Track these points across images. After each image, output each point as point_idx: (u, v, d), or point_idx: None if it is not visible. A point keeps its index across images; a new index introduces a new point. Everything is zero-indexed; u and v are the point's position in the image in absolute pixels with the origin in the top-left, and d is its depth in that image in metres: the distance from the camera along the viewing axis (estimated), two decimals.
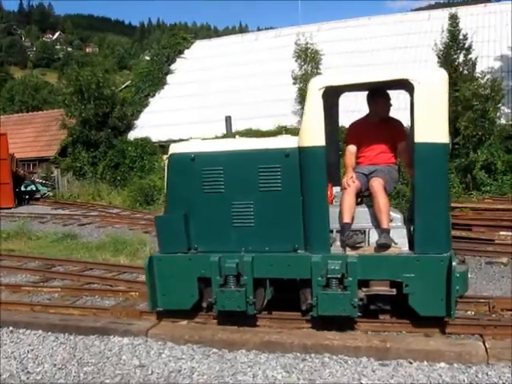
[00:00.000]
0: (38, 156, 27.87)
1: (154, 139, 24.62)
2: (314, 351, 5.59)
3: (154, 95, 28.14)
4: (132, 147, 24.68)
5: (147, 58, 36.70)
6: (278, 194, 6.11)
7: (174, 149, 6.56)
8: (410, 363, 5.21)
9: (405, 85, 5.91)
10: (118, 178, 24.63)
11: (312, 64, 21.15)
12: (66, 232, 14.83)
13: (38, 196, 25.30)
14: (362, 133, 6.44)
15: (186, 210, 6.39)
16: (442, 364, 5.16)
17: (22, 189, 24.46)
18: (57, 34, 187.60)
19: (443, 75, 5.74)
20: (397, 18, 27.56)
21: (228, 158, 6.30)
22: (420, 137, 5.65)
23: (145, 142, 24.66)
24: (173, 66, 29.49)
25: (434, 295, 5.70)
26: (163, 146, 24.27)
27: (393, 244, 5.92)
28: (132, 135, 25.83)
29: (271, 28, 43.86)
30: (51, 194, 26.23)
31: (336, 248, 6.12)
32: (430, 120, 5.64)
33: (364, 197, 6.47)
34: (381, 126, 6.39)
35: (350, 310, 5.78)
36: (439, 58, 18.58)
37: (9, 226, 16.13)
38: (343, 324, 6.11)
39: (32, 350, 6.12)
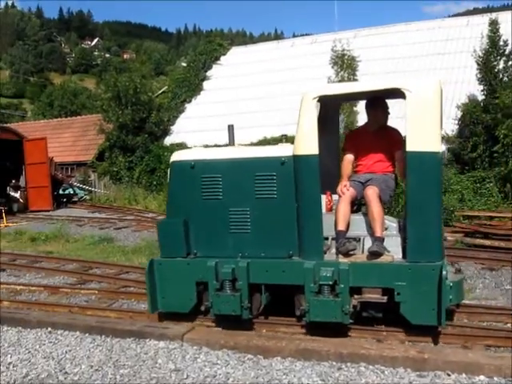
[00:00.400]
0: (76, 160, 28.30)
1: (189, 145, 24.69)
2: (349, 360, 5.52)
3: (190, 101, 28.36)
4: (168, 152, 24.81)
5: (183, 64, 37.01)
6: (274, 201, 6.23)
7: (175, 156, 6.79)
8: (448, 375, 5.10)
9: (400, 94, 5.88)
10: (154, 182, 24.85)
11: (348, 71, 21.02)
12: (102, 235, 15.04)
13: (76, 199, 25.70)
14: (360, 141, 6.50)
15: (186, 215, 6.58)
16: (482, 377, 5.02)
17: (60, 192, 24.87)
18: (95, 41, 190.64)
19: (436, 84, 5.75)
20: (434, 24, 27.29)
21: (226, 166, 6.46)
22: (412, 145, 5.68)
23: (180, 147, 24.80)
24: (209, 73, 29.70)
25: (426, 304, 5.71)
26: None
27: (385, 252, 5.95)
28: (168, 140, 26.06)
29: (307, 34, 43.82)
30: (88, 197, 26.62)
31: (331, 255, 6.19)
32: (421, 129, 5.67)
33: (361, 205, 6.50)
34: (379, 135, 6.42)
35: (341, 316, 5.86)
36: (478, 64, 18.30)
37: (47, 228, 16.46)
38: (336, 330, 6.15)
39: (70, 350, 6.19)
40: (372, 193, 6.04)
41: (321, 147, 6.35)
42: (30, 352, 6.24)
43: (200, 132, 24.72)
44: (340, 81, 20.82)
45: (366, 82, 7.39)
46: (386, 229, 6.17)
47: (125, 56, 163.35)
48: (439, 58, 23.58)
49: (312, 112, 6.00)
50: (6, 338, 6.68)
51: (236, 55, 30.91)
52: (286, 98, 23.75)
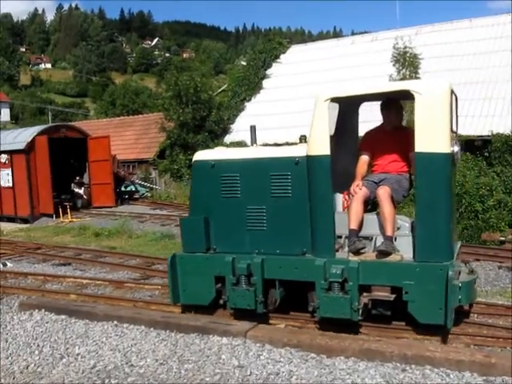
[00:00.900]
0: (138, 158, 28.86)
1: (249, 143, 24.86)
2: (414, 362, 5.46)
3: (249, 99, 28.45)
4: None
5: (243, 62, 37.19)
6: (288, 199, 6.47)
7: (196, 156, 7.21)
8: None
9: (410, 95, 5.96)
10: None
11: (410, 68, 20.66)
12: (163, 232, 15.28)
13: (137, 196, 26.20)
14: (376, 142, 6.62)
15: (207, 213, 6.95)
16: None
17: (122, 189, 25.40)
18: (155, 41, 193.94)
19: (444, 87, 5.85)
20: (500, 20, 26.43)
21: (244, 166, 6.76)
22: (420, 146, 5.78)
23: (240, 145, 24.96)
24: (269, 71, 29.72)
25: (433, 303, 5.78)
26: None
27: (395, 251, 6.08)
28: (228, 139, 26.21)
29: (366, 32, 43.26)
30: (149, 194, 27.09)
31: (343, 253, 6.35)
32: (430, 130, 5.75)
33: (376, 204, 6.55)
34: (394, 135, 6.51)
35: (350, 313, 6.03)
36: None
37: (110, 224, 16.84)
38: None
39: (135, 344, 6.35)
40: (383, 192, 6.16)
41: (340, 148, 6.74)
42: (97, 344, 6.44)
43: (259, 130, 24.68)
44: (402, 79, 20.51)
45: (377, 83, 7.31)
46: (399, 228, 6.28)
47: (184, 55, 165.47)
48: (505, 54, 22.85)
49: (324, 114, 6.17)
50: (74, 330, 6.90)
51: (295, 53, 30.83)
52: None
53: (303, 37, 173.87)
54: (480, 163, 18.45)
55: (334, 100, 6.29)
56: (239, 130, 26.44)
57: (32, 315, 7.50)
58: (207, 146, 25.66)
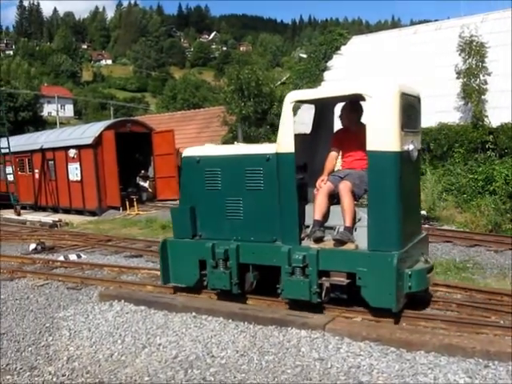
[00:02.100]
0: None
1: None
2: (497, 359, 5.37)
3: None
4: None
5: (301, 54, 37.01)
6: (261, 192, 7.18)
7: (185, 153, 8.00)
8: None
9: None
10: None
11: (477, 58, 20.13)
12: None
13: None
14: (343, 140, 7.20)
15: (193, 203, 7.74)
16: None
17: None
18: (212, 35, 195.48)
19: (394, 89, 6.30)
20: None
21: (224, 161, 7.53)
22: (371, 145, 6.30)
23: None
24: (329, 63, 29.44)
25: (382, 289, 6.25)
26: None
27: (351, 240, 6.64)
28: None
29: (425, 21, 42.23)
30: None
31: (308, 241, 6.94)
32: (379, 130, 6.23)
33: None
34: (358, 134, 6.80)
35: (309, 295, 6.67)
36: None
37: None
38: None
39: (215, 335, 6.47)
40: (344, 187, 6.72)
41: (317, 145, 7.59)
42: (177, 335, 6.59)
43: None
44: (468, 68, 20.03)
45: (334, 87, 8.01)
46: (360, 220, 6.74)
47: (241, 48, 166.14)
48: None
49: (289, 114, 6.83)
50: (154, 321, 7.08)
51: (356, 45, 30.40)
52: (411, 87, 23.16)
53: (360, 27, 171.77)
54: None
55: (298, 102, 7.04)
56: (300, 122, 26.36)
57: (112, 306, 7.75)
58: (269, 139, 25.75)
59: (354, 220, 6.73)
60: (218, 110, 30.26)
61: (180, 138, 26.67)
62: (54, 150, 24.40)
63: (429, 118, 20.47)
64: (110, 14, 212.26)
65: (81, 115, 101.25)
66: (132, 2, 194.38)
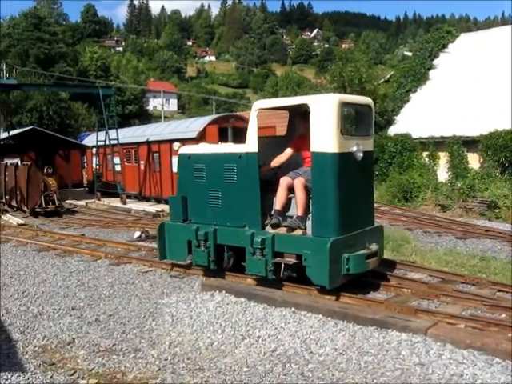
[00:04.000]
0: None
1: (414, 135, 24.19)
2: None
3: (415, 91, 27.61)
4: (392, 143, 24.53)
5: (406, 53, 36.15)
6: (234, 185, 8.54)
7: (180, 150, 9.66)
8: None
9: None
10: (376, 172, 24.68)
11: None
12: None
13: None
14: (300, 144, 8.30)
15: (185, 193, 9.31)
16: None
17: None
18: (315, 32, 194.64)
19: (334, 100, 7.50)
20: None
21: (208, 158, 9.04)
22: (314, 147, 7.60)
23: (405, 137, 24.35)
24: (436, 61, 28.62)
25: (321, 269, 7.41)
26: (423, 143, 23.75)
27: (301, 227, 7.93)
28: (392, 131, 25.70)
29: None
30: None
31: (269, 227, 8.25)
32: (320, 134, 7.51)
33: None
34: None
35: (265, 272, 7.98)
36: None
37: None
38: None
39: (314, 332, 6.47)
40: (297, 182, 7.96)
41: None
42: (276, 328, 6.65)
43: (426, 122, 24.01)
44: None
45: (290, 98, 9.22)
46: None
47: (343, 46, 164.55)
48: None
49: (254, 121, 8.16)
50: (254, 313, 7.18)
51: (465, 42, 29.35)
52: None
53: (468, 24, 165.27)
54: None
55: (262, 110, 8.23)
56: (404, 121, 25.80)
57: (213, 296, 7.94)
58: None
59: (306, 210, 7.93)
60: None
61: (282, 133, 26.69)
62: (159, 142, 25.18)
63: None
64: (214, 11, 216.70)
65: (184, 110, 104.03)
66: None
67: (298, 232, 7.93)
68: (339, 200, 7.53)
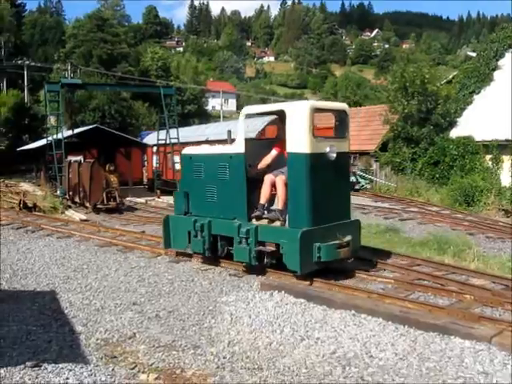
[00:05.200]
0: (359, 149, 28.70)
1: (477, 138, 23.58)
2: None
3: (478, 92, 26.86)
4: (453, 145, 23.97)
5: (469, 53, 35.21)
6: (227, 182, 9.62)
7: (183, 151, 11.02)
8: None
9: None
10: (437, 175, 24.22)
11: None
12: (388, 225, 15.15)
13: (357, 187, 26.24)
14: (283, 144, 8.98)
15: (187, 188, 10.47)
16: None
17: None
18: (374, 32, 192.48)
19: (306, 106, 8.61)
20: None
21: (205, 158, 10.18)
22: (289, 148, 8.69)
23: (467, 140, 23.74)
24: (501, 62, 27.73)
25: (293, 256, 8.45)
26: (487, 146, 23.12)
27: (280, 219, 8.97)
28: (454, 133, 25.10)
29: None
30: (369, 186, 27.02)
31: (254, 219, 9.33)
32: (293, 137, 8.59)
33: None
34: None
35: (249, 259, 9.04)
36: None
37: None
38: None
39: (374, 335, 6.37)
40: (278, 179, 9.06)
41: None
42: (335, 331, 6.57)
43: (489, 125, 23.35)
44: None
45: (272, 105, 10.78)
46: None
47: (404, 46, 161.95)
48: None
49: (242, 125, 9.34)
50: (313, 314, 7.12)
51: None
52: None
53: None
54: None
55: (248, 115, 9.57)
56: (467, 124, 25.15)
57: (272, 295, 7.90)
58: (432, 140, 24.90)
59: (286, 205, 8.90)
60: (379, 108, 29.71)
61: None
62: (219, 142, 25.36)
63: None
64: (274, 12, 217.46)
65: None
66: (296, 0, 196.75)
67: (277, 223, 9.02)
68: (312, 195, 8.56)
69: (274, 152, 9.31)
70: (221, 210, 9.69)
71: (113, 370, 5.69)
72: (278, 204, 9.13)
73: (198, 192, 10.12)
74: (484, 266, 10.26)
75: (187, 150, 10.80)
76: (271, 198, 9.38)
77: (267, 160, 9.34)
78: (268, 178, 9.17)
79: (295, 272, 8.57)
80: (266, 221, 9.14)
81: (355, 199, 22.51)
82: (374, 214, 18.14)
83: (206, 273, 9.77)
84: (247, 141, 9.48)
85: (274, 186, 9.19)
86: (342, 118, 9.52)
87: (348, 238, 8.93)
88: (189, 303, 8.01)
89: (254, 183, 9.29)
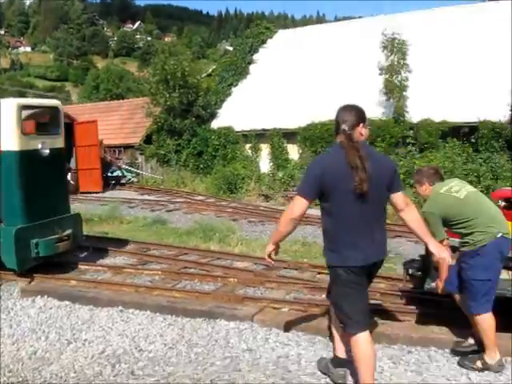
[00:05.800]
0: (124, 143, 28.39)
1: (236, 128, 24.77)
2: (420, 344, 5.59)
3: (236, 85, 28.24)
4: (215, 136, 24.91)
5: (228, 47, 36.84)
6: None
7: None
8: None
9: None
10: (201, 165, 25.00)
11: (399, 55, 20.77)
12: (154, 217, 15.22)
13: (124, 182, 25.99)
14: None
15: None
16: None
17: (109, 174, 25.21)
18: (137, 24, 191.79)
19: (12, 104, 8.46)
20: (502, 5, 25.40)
21: None
22: (1, 146, 8.39)
23: (228, 130, 24.85)
24: (255, 56, 29.48)
25: (10, 254, 8.37)
26: (246, 136, 24.45)
27: None
28: (215, 124, 26.08)
29: (349, 17, 43.13)
30: (135, 180, 26.90)
31: None
32: (3, 135, 8.36)
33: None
34: None
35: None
36: None
37: (100, 210, 16.68)
38: None
39: (142, 329, 6.37)
40: None
41: None
42: (103, 329, 6.44)
43: (247, 116, 24.71)
44: (390, 65, 20.63)
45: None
46: None
47: (166, 39, 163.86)
48: (498, 41, 22.35)
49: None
50: (79, 316, 6.90)
51: (283, 39, 30.61)
52: (335, 82, 23.54)
53: (286, 21, 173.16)
54: (467, 149, 18.68)
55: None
56: (226, 115, 26.30)
57: (34, 301, 7.47)
58: (194, 131, 25.60)
59: None
60: (141, 100, 29.64)
61: (103, 129, 25.89)
62: None
63: None
64: None
65: None
66: None
67: None
68: (24, 192, 8.54)
69: None
70: None
71: None
72: None
73: None
74: (247, 249, 10.86)
75: None
76: None
77: None
78: None
79: (14, 270, 8.55)
80: None
81: (122, 193, 22.38)
82: (140, 208, 18.07)
83: None
84: None
85: None
86: (54, 114, 9.45)
87: (68, 231, 9.09)
88: None
89: None
